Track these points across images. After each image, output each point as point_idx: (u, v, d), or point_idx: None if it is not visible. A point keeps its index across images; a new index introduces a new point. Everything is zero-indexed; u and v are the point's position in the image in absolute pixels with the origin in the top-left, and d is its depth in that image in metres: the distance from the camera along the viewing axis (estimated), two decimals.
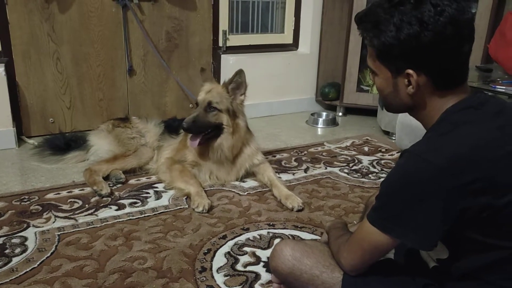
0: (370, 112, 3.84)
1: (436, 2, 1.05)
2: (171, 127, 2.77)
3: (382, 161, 2.92)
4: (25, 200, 2.26)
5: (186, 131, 2.39)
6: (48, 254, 1.81)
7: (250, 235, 2.01)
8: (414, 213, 1.06)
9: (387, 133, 3.48)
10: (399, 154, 3.03)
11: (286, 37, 4.11)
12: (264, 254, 1.86)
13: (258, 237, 1.99)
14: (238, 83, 2.43)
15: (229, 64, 3.64)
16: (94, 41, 3.20)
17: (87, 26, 3.16)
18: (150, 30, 3.37)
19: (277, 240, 1.96)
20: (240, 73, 2.41)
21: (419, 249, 1.21)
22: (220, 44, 3.72)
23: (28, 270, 1.71)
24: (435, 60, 1.08)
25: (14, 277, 1.67)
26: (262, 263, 1.80)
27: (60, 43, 3.10)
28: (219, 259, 1.82)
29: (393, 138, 3.32)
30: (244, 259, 1.83)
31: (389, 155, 3.04)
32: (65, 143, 2.80)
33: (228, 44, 3.75)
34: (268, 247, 1.91)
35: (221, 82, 3.61)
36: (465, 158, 1.02)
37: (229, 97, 2.43)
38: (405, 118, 2.89)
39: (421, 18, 1.04)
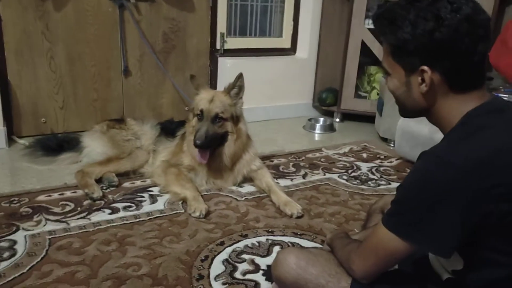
0: (367, 118, 3.81)
1: (452, 0, 1.05)
2: (168, 129, 2.71)
3: (381, 168, 2.88)
4: (15, 202, 2.18)
5: (201, 148, 2.29)
6: (38, 259, 1.74)
7: (248, 241, 1.95)
8: (434, 217, 1.01)
9: (385, 140, 3.44)
10: (398, 161, 3.01)
11: (284, 41, 4.08)
12: (263, 262, 1.80)
13: (257, 244, 1.94)
14: (239, 87, 2.40)
15: (227, 67, 3.59)
16: (89, 40, 3.14)
17: (83, 25, 3.09)
18: (147, 31, 3.32)
19: (276, 248, 1.91)
20: (241, 77, 2.38)
21: (438, 255, 1.17)
22: (218, 46, 3.67)
23: (16, 275, 1.64)
24: (449, 57, 1.06)
25: (1, 283, 1.59)
26: (261, 271, 1.74)
27: (55, 41, 3.03)
28: (217, 267, 1.76)
29: (391, 145, 3.29)
30: (242, 266, 1.77)
31: (388, 162, 3.00)
32: (58, 144, 2.72)
33: (226, 47, 3.70)
34: (267, 254, 1.86)
35: (218, 84, 3.61)
36: (488, 161, 0.99)
37: (232, 103, 2.39)
38: (405, 124, 2.86)
39: (437, 14, 1.04)
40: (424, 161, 1.06)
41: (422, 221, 1.03)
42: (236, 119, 2.42)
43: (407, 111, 1.21)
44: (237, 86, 2.39)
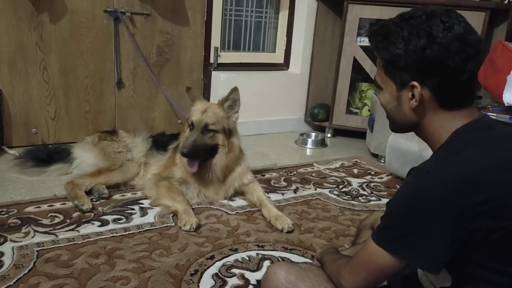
0: (358, 134, 3.84)
1: (445, 19, 1.08)
2: (160, 142, 2.70)
3: (372, 184, 2.90)
4: (3, 213, 2.15)
5: (187, 156, 2.30)
6: (26, 271, 1.71)
7: (238, 256, 1.94)
8: (423, 232, 1.02)
9: (375, 156, 3.47)
10: (388, 177, 3.03)
11: (278, 57, 4.13)
12: (253, 277, 1.79)
13: (247, 258, 1.93)
14: (233, 100, 2.40)
15: (220, 81, 3.61)
16: (83, 52, 3.14)
17: (77, 36, 3.10)
18: (141, 44, 3.33)
19: (266, 262, 1.90)
20: (235, 90, 2.39)
21: (426, 271, 1.17)
22: (211, 60, 3.69)
23: None
24: (439, 74, 1.09)
25: None
26: (251, 286, 1.73)
27: (48, 52, 3.03)
28: (207, 281, 1.74)
29: (382, 161, 3.31)
30: (232, 281, 1.76)
31: (378, 178, 3.02)
32: (48, 155, 2.70)
33: (220, 61, 3.73)
34: (257, 269, 1.85)
35: (211, 98, 3.62)
36: (477, 177, 1.01)
37: (225, 116, 2.39)
38: (395, 141, 2.89)
39: (429, 31, 1.07)
40: (414, 177, 1.07)
41: (411, 236, 1.04)
42: (229, 132, 2.41)
43: (397, 126, 1.23)
44: (231, 99, 2.39)
